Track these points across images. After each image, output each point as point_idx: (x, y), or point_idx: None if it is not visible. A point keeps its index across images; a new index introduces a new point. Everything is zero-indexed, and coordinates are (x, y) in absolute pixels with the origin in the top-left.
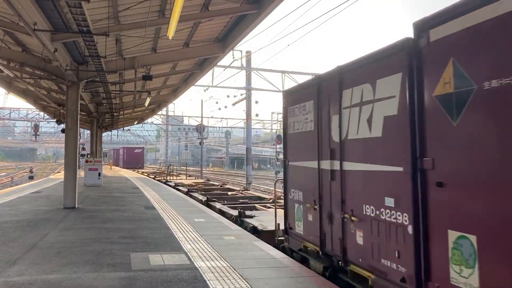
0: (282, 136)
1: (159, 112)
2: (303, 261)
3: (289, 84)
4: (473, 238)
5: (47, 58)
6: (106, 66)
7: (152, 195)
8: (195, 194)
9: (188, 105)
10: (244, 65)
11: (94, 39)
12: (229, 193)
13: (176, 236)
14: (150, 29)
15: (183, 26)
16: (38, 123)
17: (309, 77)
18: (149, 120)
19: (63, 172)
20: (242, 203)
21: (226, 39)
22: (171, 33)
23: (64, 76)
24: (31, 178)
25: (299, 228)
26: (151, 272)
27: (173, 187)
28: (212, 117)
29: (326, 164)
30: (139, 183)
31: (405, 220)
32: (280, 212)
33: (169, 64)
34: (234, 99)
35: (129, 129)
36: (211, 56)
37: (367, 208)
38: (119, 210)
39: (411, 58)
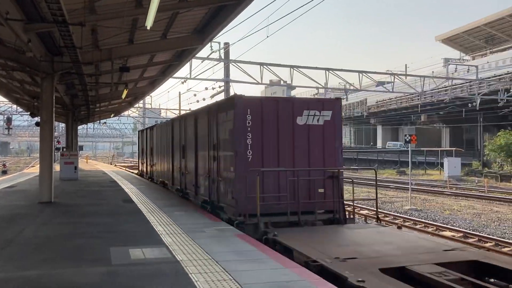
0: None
1: (136, 105)
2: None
3: (268, 76)
4: None
5: (20, 49)
6: (82, 57)
7: (130, 188)
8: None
9: (165, 98)
10: (223, 57)
11: (70, 29)
12: None
13: (156, 230)
14: (127, 20)
15: (161, 16)
16: (10, 116)
17: (287, 70)
18: (126, 113)
19: (37, 166)
20: None
21: (205, 30)
22: (149, 23)
23: (39, 68)
24: (4, 172)
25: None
26: (132, 266)
27: (151, 180)
28: (190, 110)
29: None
30: (117, 177)
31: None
32: None
33: (146, 56)
34: (212, 92)
35: (105, 122)
36: (189, 48)
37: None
38: (97, 204)
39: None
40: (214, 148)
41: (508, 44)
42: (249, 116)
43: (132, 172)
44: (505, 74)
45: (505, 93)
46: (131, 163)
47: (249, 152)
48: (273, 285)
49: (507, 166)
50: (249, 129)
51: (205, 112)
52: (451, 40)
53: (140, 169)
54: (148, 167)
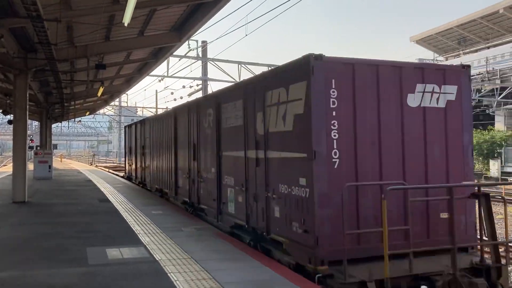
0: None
1: (112, 103)
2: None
3: (246, 75)
4: None
5: None
6: (56, 54)
7: (105, 187)
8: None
9: (142, 96)
10: (200, 55)
11: (45, 25)
12: None
13: (134, 229)
14: (104, 16)
15: (139, 13)
16: None
17: (265, 68)
18: (101, 111)
19: (10, 165)
20: None
21: (183, 28)
22: (127, 19)
23: (12, 64)
24: None
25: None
26: (109, 266)
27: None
28: (167, 108)
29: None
30: (92, 176)
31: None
32: None
33: (123, 53)
34: (190, 90)
35: (80, 121)
36: (166, 45)
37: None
38: (73, 203)
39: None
40: (257, 147)
41: (479, 45)
42: (334, 92)
43: (117, 175)
44: (477, 75)
45: (477, 93)
46: (113, 163)
47: (335, 154)
48: (253, 284)
49: (478, 165)
50: (334, 113)
51: (240, 92)
52: (425, 41)
53: (127, 170)
54: (139, 170)
